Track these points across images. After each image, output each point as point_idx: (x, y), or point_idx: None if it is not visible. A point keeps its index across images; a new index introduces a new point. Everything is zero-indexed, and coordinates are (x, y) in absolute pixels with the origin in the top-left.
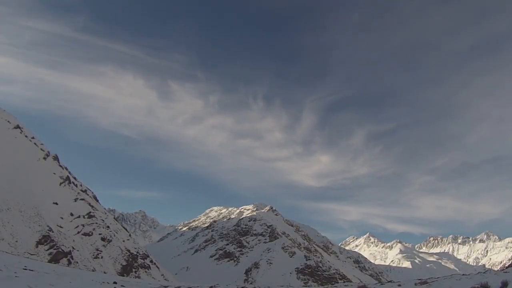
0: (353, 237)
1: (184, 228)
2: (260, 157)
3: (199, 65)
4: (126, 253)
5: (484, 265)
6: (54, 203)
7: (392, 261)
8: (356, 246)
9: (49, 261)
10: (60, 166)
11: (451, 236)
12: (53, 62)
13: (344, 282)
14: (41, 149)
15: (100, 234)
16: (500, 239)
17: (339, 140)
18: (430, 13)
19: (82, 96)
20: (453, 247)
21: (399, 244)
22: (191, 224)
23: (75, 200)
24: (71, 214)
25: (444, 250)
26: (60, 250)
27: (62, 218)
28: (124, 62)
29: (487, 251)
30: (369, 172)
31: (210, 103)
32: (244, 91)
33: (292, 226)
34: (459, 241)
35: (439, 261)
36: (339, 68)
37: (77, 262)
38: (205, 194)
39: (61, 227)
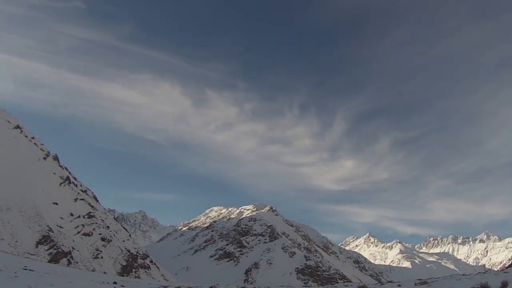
0: (353, 237)
1: (184, 228)
2: (286, 163)
3: (240, 74)
4: (126, 253)
5: (484, 265)
6: (54, 203)
7: (392, 261)
8: (356, 246)
9: (49, 261)
10: (60, 166)
11: (451, 236)
12: (88, 69)
13: (344, 282)
14: (41, 149)
15: (100, 234)
16: (500, 239)
17: (364, 147)
18: (468, 28)
19: (112, 102)
20: (453, 247)
21: (399, 244)
22: (191, 224)
23: (75, 200)
24: (71, 214)
25: (444, 250)
26: (60, 250)
27: (62, 218)
28: (164, 70)
29: (487, 251)
30: (389, 176)
31: (245, 111)
32: (281, 100)
33: (292, 226)
34: (459, 241)
35: (439, 261)
36: (375, 79)
37: (77, 262)
38: (222, 197)
39: (61, 227)
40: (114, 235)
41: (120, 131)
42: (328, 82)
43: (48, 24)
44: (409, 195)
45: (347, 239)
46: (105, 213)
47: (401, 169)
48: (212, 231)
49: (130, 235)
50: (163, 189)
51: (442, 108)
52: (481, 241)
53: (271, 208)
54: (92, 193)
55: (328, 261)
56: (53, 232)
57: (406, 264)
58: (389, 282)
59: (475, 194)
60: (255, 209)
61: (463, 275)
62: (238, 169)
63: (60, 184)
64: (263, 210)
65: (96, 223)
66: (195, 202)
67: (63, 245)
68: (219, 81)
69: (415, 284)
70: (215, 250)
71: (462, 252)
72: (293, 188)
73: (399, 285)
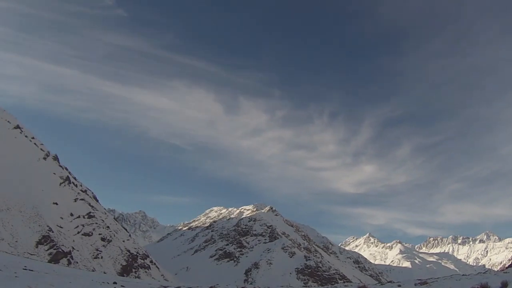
0: (353, 238)
1: (184, 228)
2: (308, 167)
3: (276, 84)
4: (126, 253)
5: (484, 265)
6: (54, 203)
7: (392, 261)
8: (356, 246)
9: (49, 261)
10: (60, 166)
11: (451, 236)
12: (120, 75)
13: (344, 282)
14: (41, 149)
15: (100, 234)
16: (500, 240)
17: (387, 152)
18: (500, 41)
19: (139, 107)
20: (453, 248)
21: (399, 245)
22: (191, 224)
23: (75, 200)
24: (71, 214)
25: (444, 250)
26: (60, 250)
27: (62, 218)
28: (200, 78)
29: (487, 252)
30: (406, 180)
31: (275, 118)
32: (313, 108)
33: (292, 226)
34: (459, 241)
35: (439, 261)
36: (405, 88)
37: (77, 262)
38: (238, 199)
39: (61, 227)
40: (114, 235)
41: (144, 135)
42: (360, 91)
43: (84, 31)
44: (423, 198)
45: (347, 239)
46: (105, 213)
47: (419, 173)
48: (212, 231)
49: (130, 235)
50: (178, 193)
51: (464, 115)
52: (481, 241)
53: (271, 208)
54: (92, 193)
55: (328, 261)
56: (53, 232)
57: (406, 264)
58: (389, 282)
59: (485, 197)
60: (255, 209)
61: (463, 275)
62: (259, 173)
63: (60, 184)
64: (263, 210)
65: (96, 223)
66: (211, 205)
67: (63, 245)
68: (254, 89)
69: (415, 284)
70: (215, 250)
71: (462, 252)
72: (311, 191)
73: (399, 285)
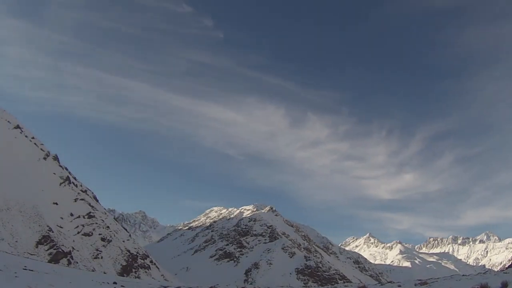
0: (353, 238)
1: (184, 229)
2: (353, 176)
3: (346, 102)
4: (126, 253)
5: (484, 265)
6: (54, 203)
7: (392, 261)
8: (356, 246)
9: (49, 261)
10: (60, 166)
11: (451, 236)
12: (191, 90)
13: (344, 282)
14: (41, 149)
15: (100, 234)
16: (500, 240)
17: (429, 163)
18: None
19: (200, 119)
20: (453, 248)
21: (399, 245)
22: (191, 225)
23: (75, 200)
24: (71, 214)
25: (444, 250)
26: (60, 250)
27: (62, 218)
28: (274, 94)
29: (487, 252)
30: (440, 188)
31: (337, 132)
32: (375, 124)
33: (292, 226)
34: (459, 241)
35: (439, 261)
36: (461, 106)
37: (77, 262)
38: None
39: (61, 227)
40: (114, 235)
41: (197, 144)
42: (418, 109)
43: (167, 47)
44: (451, 205)
45: (347, 240)
46: (105, 213)
47: (453, 182)
48: (212, 231)
49: (130, 235)
50: (216, 199)
51: (507, 129)
52: (481, 241)
53: (271, 208)
54: (92, 193)
55: (328, 262)
56: (53, 232)
57: (406, 264)
58: (389, 282)
59: (505, 202)
60: (255, 209)
61: (463, 275)
62: (301, 181)
63: (60, 184)
64: (263, 210)
65: (96, 223)
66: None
67: (63, 245)
68: (324, 106)
69: (415, 285)
70: (215, 250)
71: (462, 253)
72: (346, 197)
73: (399, 286)
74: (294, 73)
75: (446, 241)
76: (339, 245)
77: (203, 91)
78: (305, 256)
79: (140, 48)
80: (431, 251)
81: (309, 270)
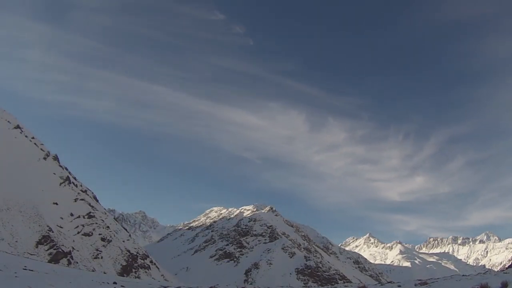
0: (353, 238)
1: (184, 229)
2: (367, 178)
3: (367, 108)
4: (126, 253)
5: (484, 265)
6: (54, 203)
7: (392, 261)
8: (356, 246)
9: (49, 261)
10: (60, 166)
11: (451, 236)
12: (212, 94)
13: (344, 282)
14: (41, 149)
15: (100, 234)
16: (500, 240)
17: (441, 166)
18: None
19: (223, 124)
20: (453, 248)
21: (399, 245)
22: (191, 225)
23: (75, 200)
24: (71, 214)
25: (444, 250)
26: (60, 250)
27: (62, 218)
28: (297, 100)
29: (487, 252)
30: (450, 190)
31: (354, 136)
32: (392, 128)
33: (292, 226)
34: (459, 241)
35: (439, 261)
36: (477, 114)
37: (77, 262)
38: (286, 208)
39: (61, 227)
40: (114, 235)
41: (214, 148)
42: (436, 115)
43: (195, 53)
44: (458, 207)
45: (347, 240)
46: (105, 213)
47: (462, 184)
48: (212, 231)
49: (130, 235)
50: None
51: None
52: (481, 241)
53: (271, 208)
54: (92, 193)
55: (328, 262)
56: (53, 232)
57: (406, 264)
58: (389, 282)
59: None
60: (255, 209)
61: (463, 275)
62: (314, 183)
63: (60, 184)
64: (263, 211)
65: (96, 223)
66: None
67: (63, 245)
68: (345, 111)
69: (415, 285)
70: (215, 251)
71: (462, 253)
72: (358, 199)
73: (399, 286)
74: (319, 79)
75: (446, 241)
76: (339, 245)
77: (226, 95)
78: (305, 256)
79: (167, 54)
80: (431, 251)
81: (309, 270)
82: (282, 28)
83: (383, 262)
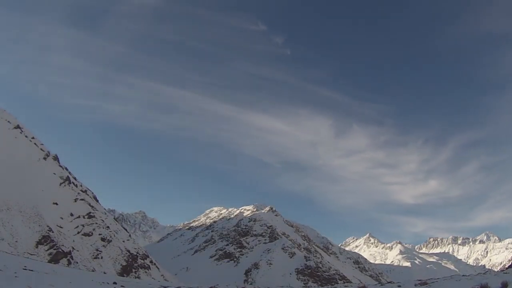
0: (353, 238)
1: (184, 229)
2: (383, 182)
3: (392, 114)
4: (126, 253)
5: (484, 265)
6: (54, 203)
7: (392, 261)
8: (356, 247)
9: (49, 261)
10: (60, 166)
11: (451, 237)
12: (242, 100)
13: (344, 282)
14: (41, 149)
15: (100, 234)
16: (500, 240)
17: (455, 169)
18: None
19: (246, 128)
20: (453, 248)
21: (399, 245)
22: (191, 225)
23: (75, 200)
24: (71, 214)
25: (444, 250)
26: (60, 250)
27: (62, 218)
28: (325, 106)
29: (487, 252)
30: (461, 193)
31: (376, 142)
32: (413, 134)
33: (292, 226)
34: (459, 242)
35: (439, 261)
36: (495, 118)
37: (77, 262)
38: (298, 210)
39: (61, 227)
40: (114, 235)
41: (235, 152)
42: (456, 121)
43: (229, 60)
44: (468, 209)
45: (347, 240)
46: (105, 213)
47: (474, 187)
48: (212, 231)
49: (130, 235)
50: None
51: None
52: (481, 241)
53: (271, 208)
54: (92, 193)
55: (328, 262)
56: (53, 232)
57: (406, 264)
58: (389, 282)
59: None
60: (255, 209)
61: (463, 275)
62: (329, 186)
63: (60, 184)
64: (263, 211)
65: (96, 223)
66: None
67: (63, 245)
68: (370, 118)
69: (415, 285)
70: (215, 251)
71: (462, 253)
72: (371, 202)
73: (399, 286)
74: (347, 86)
75: (446, 241)
76: (339, 245)
77: (253, 101)
78: (305, 256)
79: (200, 61)
80: (431, 251)
81: (309, 270)
82: (318, 38)
83: (383, 262)
